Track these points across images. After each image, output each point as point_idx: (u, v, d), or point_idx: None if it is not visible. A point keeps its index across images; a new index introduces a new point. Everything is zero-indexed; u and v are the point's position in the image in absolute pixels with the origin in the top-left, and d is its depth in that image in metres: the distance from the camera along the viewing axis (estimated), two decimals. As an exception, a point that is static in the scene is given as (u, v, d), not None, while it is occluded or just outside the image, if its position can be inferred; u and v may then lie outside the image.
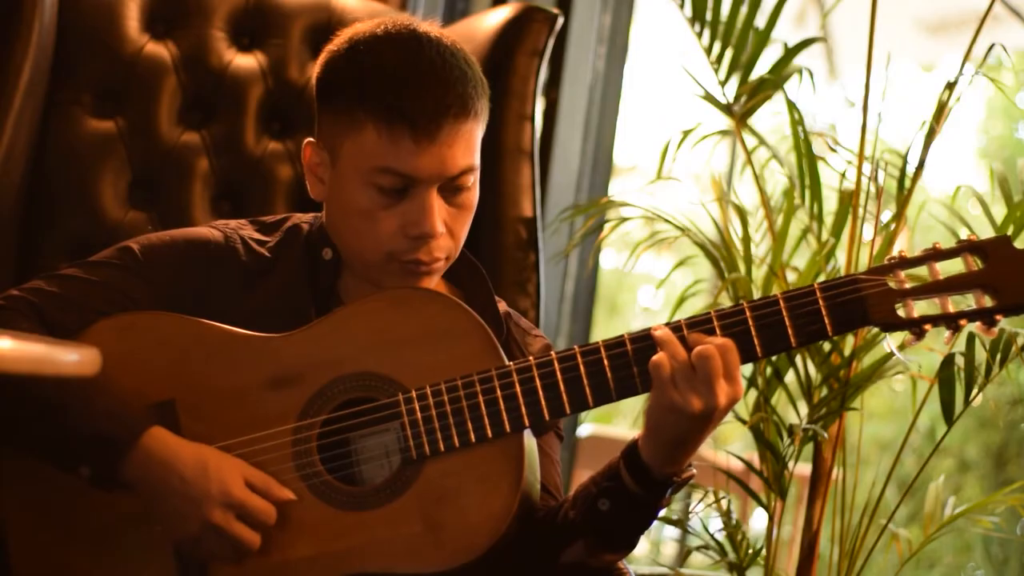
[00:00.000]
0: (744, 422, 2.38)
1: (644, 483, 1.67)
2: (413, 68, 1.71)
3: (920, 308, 1.66)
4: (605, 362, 1.68)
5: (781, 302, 1.66)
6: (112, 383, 1.70)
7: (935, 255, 1.66)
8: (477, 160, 1.76)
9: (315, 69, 1.81)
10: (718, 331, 1.66)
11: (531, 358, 1.69)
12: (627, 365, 1.68)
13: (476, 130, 1.75)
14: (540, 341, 1.92)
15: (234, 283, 1.82)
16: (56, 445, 1.70)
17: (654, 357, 1.63)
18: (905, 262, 1.67)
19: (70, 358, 1.46)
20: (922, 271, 1.67)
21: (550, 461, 1.85)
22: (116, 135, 2.29)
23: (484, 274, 1.87)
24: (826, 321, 1.66)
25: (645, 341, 1.67)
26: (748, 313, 1.66)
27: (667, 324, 1.68)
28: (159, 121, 2.31)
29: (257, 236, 1.86)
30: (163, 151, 2.31)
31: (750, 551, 2.43)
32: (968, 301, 1.66)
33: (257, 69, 2.36)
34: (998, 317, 1.64)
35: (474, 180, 1.77)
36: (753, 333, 1.66)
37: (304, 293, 1.83)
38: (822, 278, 2.40)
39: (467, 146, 1.73)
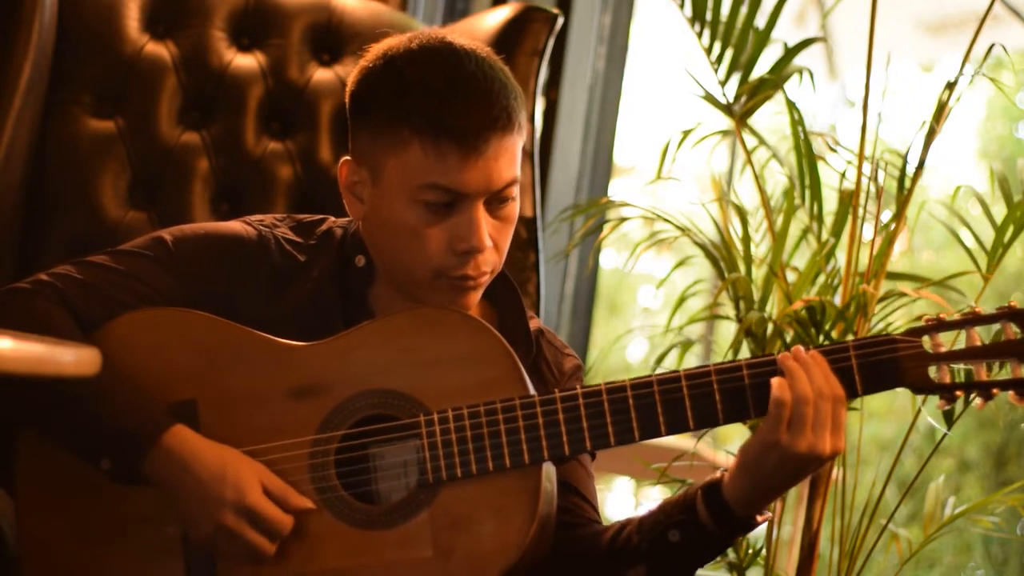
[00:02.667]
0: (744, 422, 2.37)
1: (721, 521, 1.67)
2: (456, 82, 1.69)
3: (953, 370, 1.65)
4: (630, 401, 1.67)
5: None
6: (137, 377, 1.71)
7: (973, 320, 1.65)
8: (519, 172, 1.74)
9: (349, 84, 1.78)
10: (747, 379, 1.65)
11: (556, 391, 1.68)
12: (652, 406, 1.67)
13: (519, 142, 1.73)
14: (572, 361, 1.90)
15: (264, 284, 1.81)
16: (79, 437, 1.70)
17: (776, 393, 1.61)
18: (942, 325, 1.65)
19: (70, 358, 1.46)
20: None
21: (585, 471, 1.84)
22: (116, 135, 2.29)
23: (517, 290, 1.85)
24: (856, 379, 1.65)
25: (674, 383, 1.67)
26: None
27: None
28: (159, 121, 2.31)
29: (291, 237, 1.84)
30: (163, 151, 2.31)
31: (750, 551, 2.42)
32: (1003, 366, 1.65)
33: (257, 69, 2.36)
34: None
35: (517, 192, 1.75)
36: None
37: (333, 300, 1.82)
38: (822, 278, 2.40)
39: (511, 159, 1.72)
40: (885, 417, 5.19)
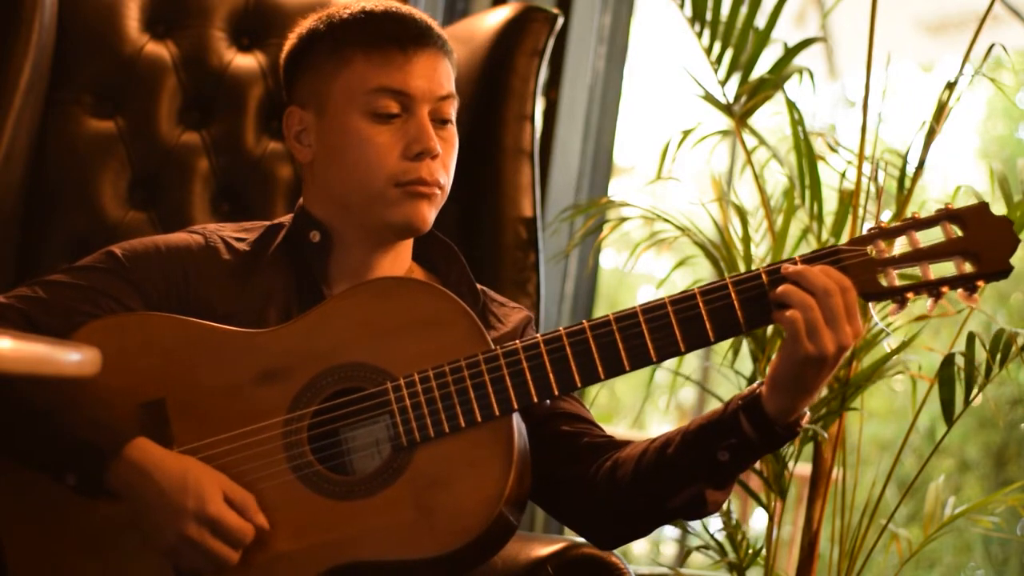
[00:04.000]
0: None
1: (767, 435, 1.68)
2: (391, 10, 1.83)
3: (901, 278, 1.67)
4: (591, 342, 1.69)
5: (763, 274, 1.67)
6: (100, 388, 1.70)
7: (914, 224, 1.67)
8: (455, 94, 1.84)
9: (283, 54, 1.88)
10: (702, 307, 1.67)
11: (518, 342, 1.71)
12: (613, 344, 1.69)
13: (452, 69, 1.84)
14: (520, 313, 1.93)
15: (219, 283, 1.83)
16: (42, 453, 1.71)
17: (787, 313, 1.63)
18: (885, 232, 1.67)
19: (71, 358, 1.45)
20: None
21: (576, 401, 1.88)
22: (116, 135, 2.29)
23: (457, 252, 1.90)
24: None
25: (631, 319, 1.69)
26: (731, 288, 1.68)
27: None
28: (159, 121, 2.31)
29: (236, 235, 1.88)
30: (163, 151, 2.31)
31: (750, 551, 2.43)
32: (950, 269, 1.67)
33: (257, 69, 2.37)
34: (979, 283, 1.65)
35: (455, 118, 1.84)
36: (736, 307, 1.67)
37: (290, 285, 1.84)
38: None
39: (448, 75, 1.83)
40: (885, 417, 5.20)
